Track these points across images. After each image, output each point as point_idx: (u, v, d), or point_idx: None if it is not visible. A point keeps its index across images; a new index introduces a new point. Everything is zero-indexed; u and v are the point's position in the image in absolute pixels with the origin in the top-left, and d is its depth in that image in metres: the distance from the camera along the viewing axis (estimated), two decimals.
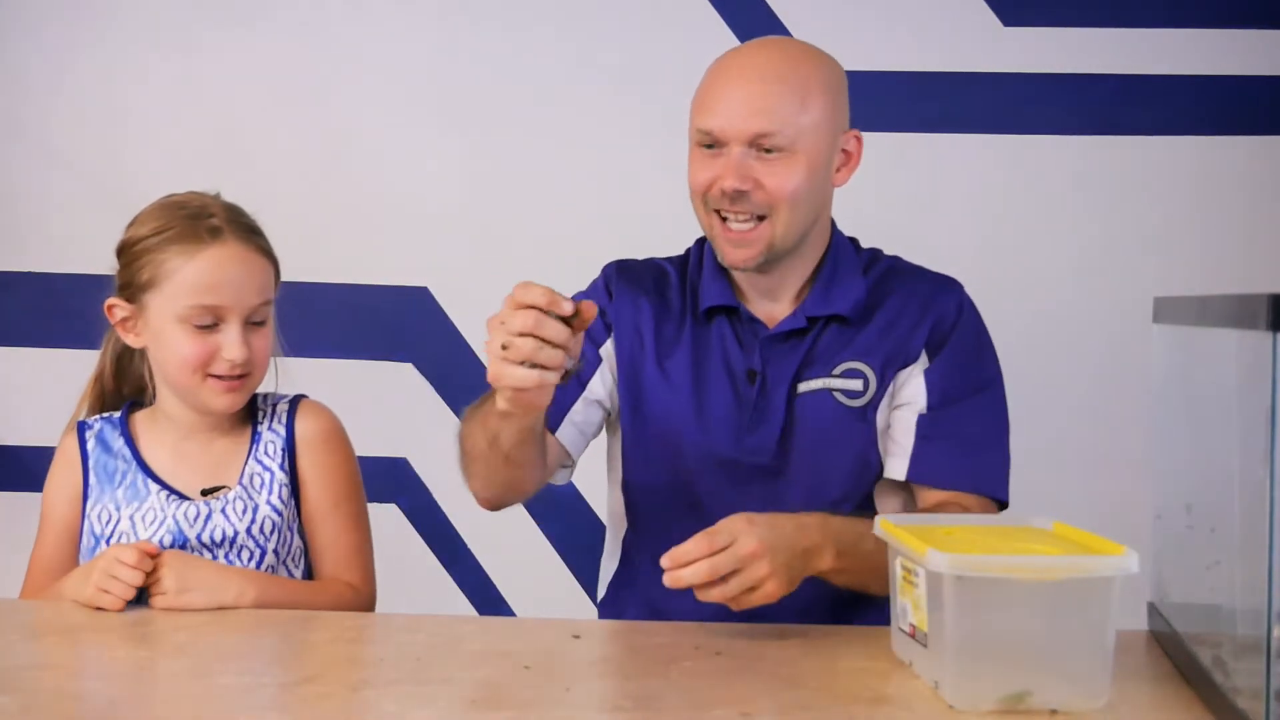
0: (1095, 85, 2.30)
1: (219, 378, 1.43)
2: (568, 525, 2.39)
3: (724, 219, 1.48)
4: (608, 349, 1.57)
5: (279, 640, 1.26)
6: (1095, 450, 2.26)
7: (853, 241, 1.61)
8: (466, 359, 2.38)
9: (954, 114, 2.31)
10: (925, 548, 1.01)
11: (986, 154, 2.32)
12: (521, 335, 1.19)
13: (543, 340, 1.20)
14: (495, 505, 1.54)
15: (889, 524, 1.14)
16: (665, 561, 1.21)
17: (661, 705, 1.02)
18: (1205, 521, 1.11)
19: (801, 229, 1.50)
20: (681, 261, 1.61)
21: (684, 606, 1.51)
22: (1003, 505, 1.49)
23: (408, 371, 2.41)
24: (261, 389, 1.51)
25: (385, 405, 2.35)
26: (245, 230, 1.47)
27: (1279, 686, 0.90)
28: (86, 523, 1.47)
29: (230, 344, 1.42)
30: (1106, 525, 1.11)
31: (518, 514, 2.40)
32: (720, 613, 1.51)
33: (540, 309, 1.19)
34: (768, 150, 1.45)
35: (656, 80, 2.33)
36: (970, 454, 1.49)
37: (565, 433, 1.54)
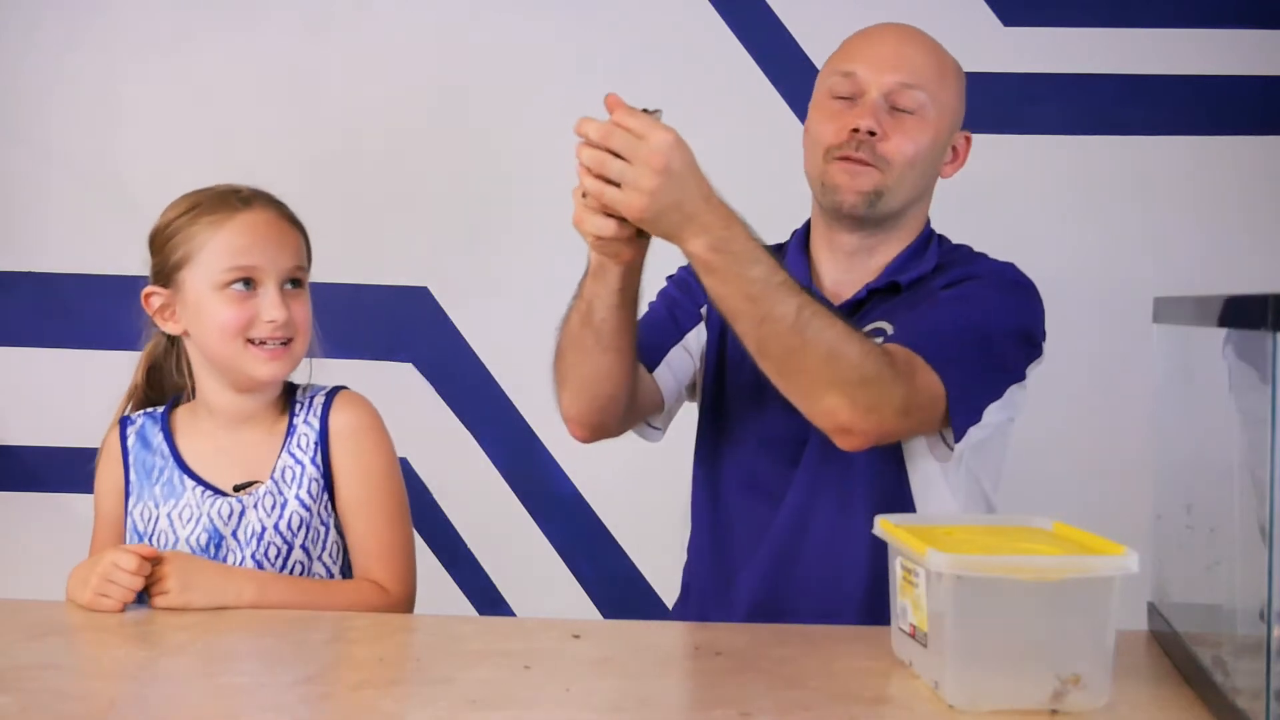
0: (1095, 85, 2.30)
1: (261, 345, 1.43)
2: (568, 526, 2.39)
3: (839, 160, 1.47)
4: (705, 310, 1.59)
5: (279, 640, 1.26)
6: (1095, 450, 2.26)
7: (943, 238, 1.60)
8: (466, 359, 2.38)
9: None
10: (925, 548, 1.01)
11: (986, 154, 2.31)
12: (593, 176, 1.19)
13: (608, 181, 1.19)
14: (589, 425, 1.46)
15: (889, 524, 1.14)
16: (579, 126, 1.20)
17: (661, 705, 1.02)
18: (1205, 521, 1.10)
19: (906, 196, 1.50)
20: (775, 248, 1.61)
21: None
22: (946, 389, 1.37)
23: (408, 371, 2.41)
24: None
25: (385, 405, 2.34)
26: (274, 202, 1.48)
27: (1279, 686, 0.90)
28: (130, 520, 1.48)
29: (268, 305, 1.42)
30: (1106, 525, 1.11)
31: (518, 514, 2.40)
32: (769, 595, 1.47)
33: (603, 149, 1.18)
34: (901, 109, 1.47)
35: (658, 80, 2.33)
36: (928, 321, 1.42)
37: (661, 375, 1.54)
